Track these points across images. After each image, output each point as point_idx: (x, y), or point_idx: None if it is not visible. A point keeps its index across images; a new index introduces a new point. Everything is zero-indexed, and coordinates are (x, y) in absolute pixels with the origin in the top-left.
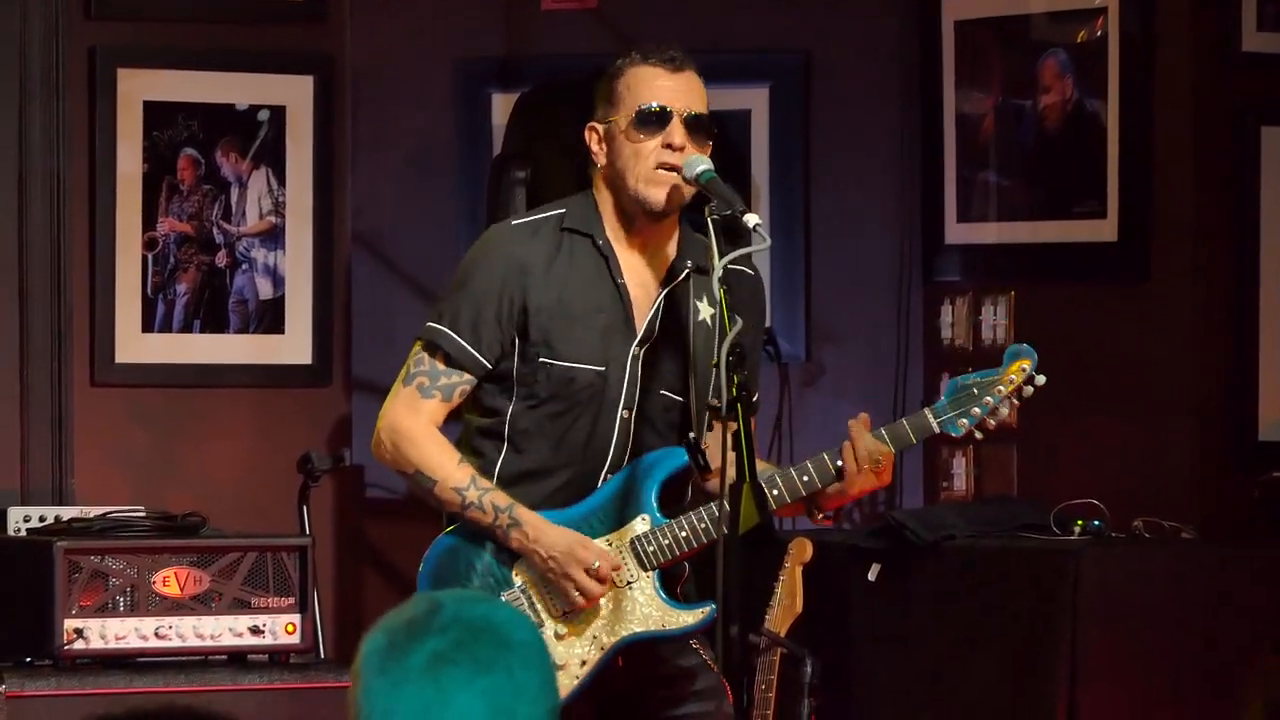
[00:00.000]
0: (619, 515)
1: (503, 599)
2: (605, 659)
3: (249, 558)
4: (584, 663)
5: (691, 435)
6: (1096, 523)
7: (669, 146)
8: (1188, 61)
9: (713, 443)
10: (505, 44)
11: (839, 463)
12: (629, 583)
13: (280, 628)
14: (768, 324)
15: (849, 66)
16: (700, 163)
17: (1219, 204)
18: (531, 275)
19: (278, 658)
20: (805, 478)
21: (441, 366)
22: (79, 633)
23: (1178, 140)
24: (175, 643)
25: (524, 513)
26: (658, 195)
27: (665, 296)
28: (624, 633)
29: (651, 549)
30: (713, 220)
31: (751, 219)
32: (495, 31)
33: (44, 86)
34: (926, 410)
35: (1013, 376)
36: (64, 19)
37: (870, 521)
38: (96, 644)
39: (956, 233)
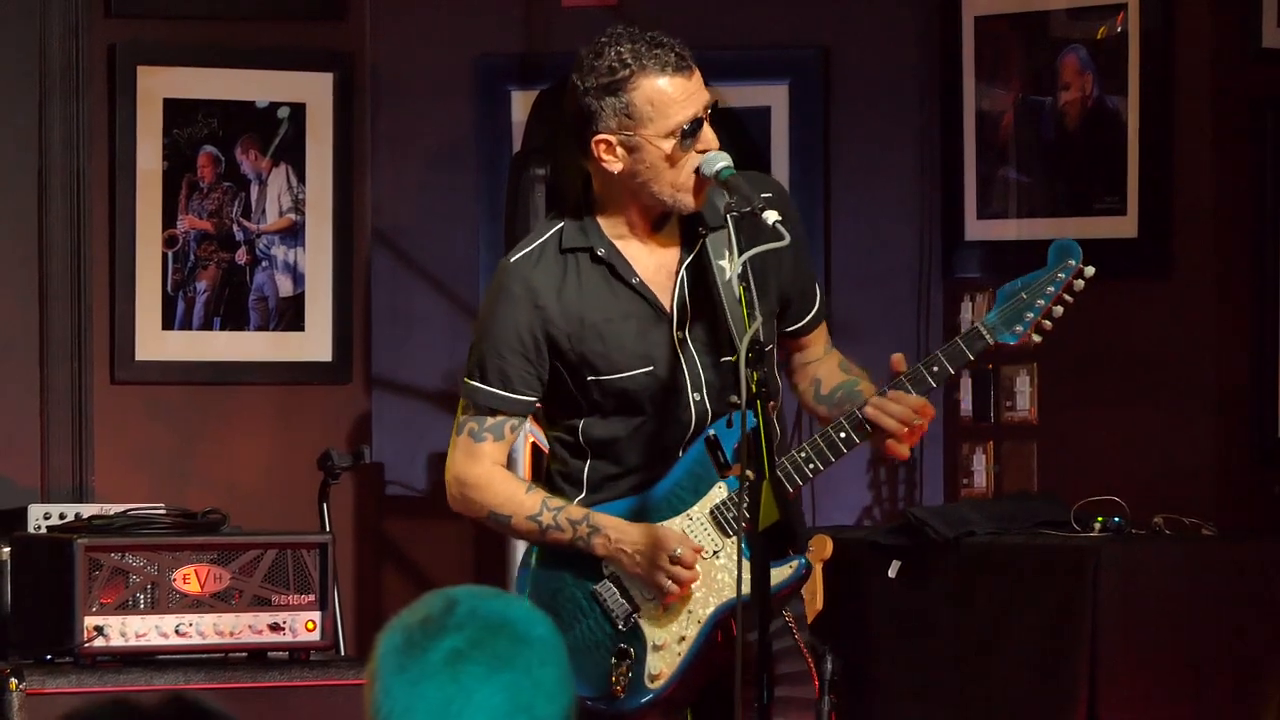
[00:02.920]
0: (697, 487)
1: (595, 590)
2: (705, 631)
3: (269, 555)
4: (683, 639)
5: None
6: (1117, 519)
7: (702, 150)
8: (1208, 58)
9: (822, 359)
10: (525, 41)
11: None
12: (715, 552)
13: (300, 625)
14: None
15: (869, 63)
16: (720, 160)
17: (1239, 200)
18: (546, 307)
19: (298, 655)
20: (842, 435)
21: (486, 415)
22: (99, 630)
23: (1198, 137)
24: (195, 640)
25: (601, 518)
26: (694, 201)
27: (686, 271)
28: (719, 603)
29: (732, 515)
30: (732, 217)
31: (771, 216)
32: (515, 28)
33: (64, 84)
34: (979, 324)
35: (1061, 274)
36: (84, 16)
37: (890, 518)
38: (117, 641)
39: (976, 229)
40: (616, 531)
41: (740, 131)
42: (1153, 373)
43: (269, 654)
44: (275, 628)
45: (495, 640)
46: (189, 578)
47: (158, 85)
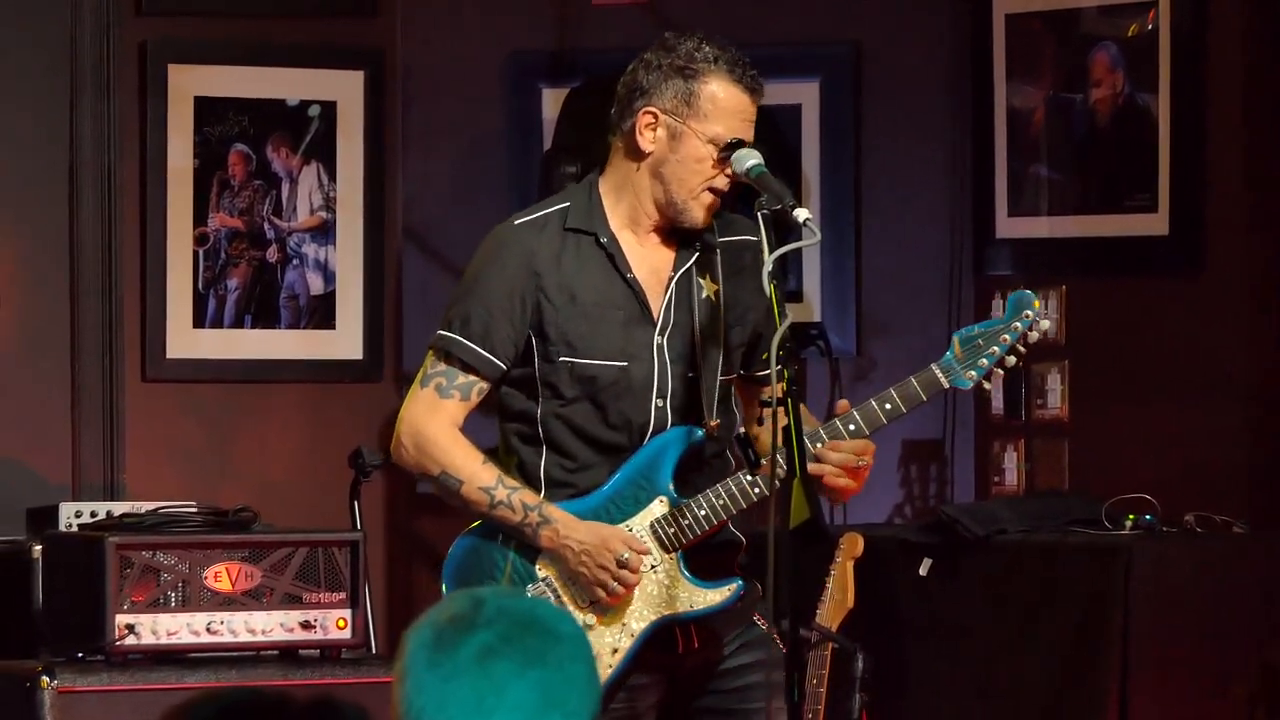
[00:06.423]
0: (636, 499)
1: (529, 592)
2: (637, 645)
3: (300, 553)
4: (615, 650)
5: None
6: (1148, 517)
7: (730, 173)
8: (1239, 55)
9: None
10: (555, 38)
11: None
12: (653, 566)
13: (331, 623)
14: (818, 319)
15: (900, 61)
16: (750, 157)
17: (1271, 197)
18: (543, 275)
19: (329, 653)
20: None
21: (458, 369)
22: (130, 628)
23: (1229, 133)
24: (226, 638)
25: (552, 510)
26: (703, 216)
27: (676, 281)
28: (653, 617)
29: (672, 530)
30: (763, 215)
31: (802, 213)
32: (545, 26)
33: (95, 82)
34: (934, 366)
35: (1018, 324)
36: (115, 15)
37: (921, 516)
38: (148, 639)
39: (1007, 226)
40: (565, 526)
41: (771, 129)
42: (1184, 370)
43: (300, 652)
44: (307, 626)
45: (526, 636)
46: (220, 575)
47: (189, 83)
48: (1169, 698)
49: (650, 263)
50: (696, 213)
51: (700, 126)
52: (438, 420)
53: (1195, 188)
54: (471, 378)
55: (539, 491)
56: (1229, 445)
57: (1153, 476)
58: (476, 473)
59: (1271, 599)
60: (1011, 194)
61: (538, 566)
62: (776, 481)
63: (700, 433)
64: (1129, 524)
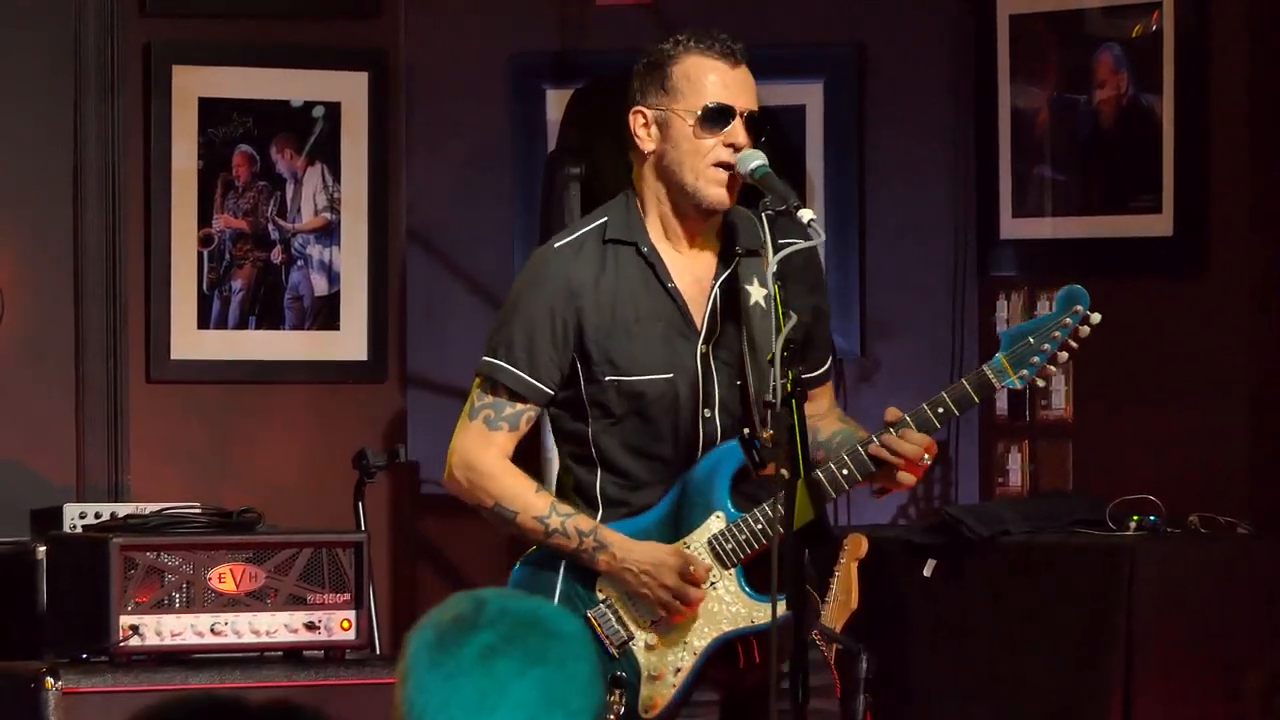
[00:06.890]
0: (693, 516)
1: (589, 616)
2: (700, 663)
3: (304, 554)
4: (679, 670)
5: (746, 431)
6: (1152, 518)
7: (730, 145)
8: (1243, 55)
9: (824, 414)
10: (559, 39)
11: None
12: (713, 583)
13: (336, 624)
14: None
15: (904, 62)
16: (754, 158)
17: (1273, 198)
18: (582, 296)
19: (333, 654)
20: (845, 471)
21: (505, 399)
22: (134, 629)
23: (1233, 134)
24: (231, 639)
25: (608, 534)
26: (718, 194)
27: (719, 288)
28: (715, 634)
29: (730, 546)
30: (766, 215)
31: (806, 214)
32: (549, 27)
33: (99, 83)
34: (985, 368)
35: (1069, 319)
36: (119, 16)
37: (926, 517)
38: (152, 640)
39: (1011, 227)
40: (622, 550)
41: (775, 130)
42: (1188, 371)
43: (304, 653)
44: (311, 627)
45: (528, 636)
46: (224, 577)
47: (193, 84)
48: (1173, 698)
49: (692, 272)
50: (711, 193)
51: (681, 106)
52: (489, 453)
53: (1199, 189)
54: (519, 406)
55: (596, 511)
56: (1233, 446)
57: (1156, 477)
58: (530, 503)
59: (1275, 599)
60: (1016, 195)
61: (597, 589)
62: (781, 483)
63: (743, 453)
64: (1133, 525)
